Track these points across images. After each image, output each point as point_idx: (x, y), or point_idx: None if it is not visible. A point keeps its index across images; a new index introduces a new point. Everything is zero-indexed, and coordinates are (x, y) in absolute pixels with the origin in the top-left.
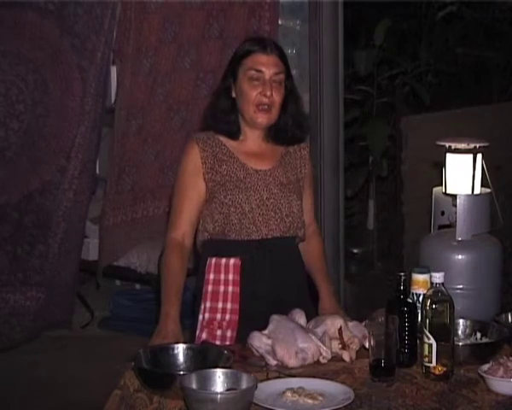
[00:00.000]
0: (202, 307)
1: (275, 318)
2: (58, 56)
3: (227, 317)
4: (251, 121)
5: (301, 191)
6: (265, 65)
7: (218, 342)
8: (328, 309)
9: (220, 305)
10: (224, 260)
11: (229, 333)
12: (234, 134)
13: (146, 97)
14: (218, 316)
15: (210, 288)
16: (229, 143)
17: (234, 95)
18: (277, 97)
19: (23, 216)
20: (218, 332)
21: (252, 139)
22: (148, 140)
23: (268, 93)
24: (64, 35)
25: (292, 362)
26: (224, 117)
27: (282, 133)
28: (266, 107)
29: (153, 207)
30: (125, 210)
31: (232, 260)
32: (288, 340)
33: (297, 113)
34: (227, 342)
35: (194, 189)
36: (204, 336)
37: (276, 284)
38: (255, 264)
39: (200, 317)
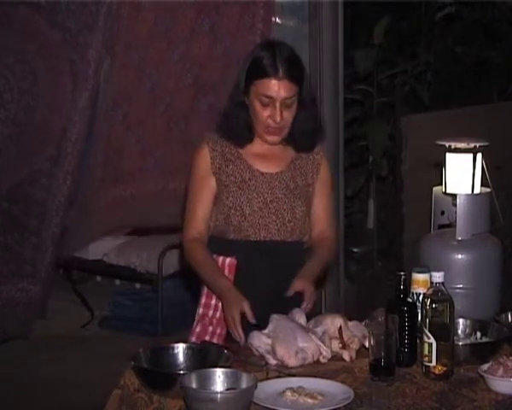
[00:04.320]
0: (200, 301)
1: (275, 317)
2: (48, 48)
3: (217, 314)
4: (261, 138)
5: (309, 197)
6: (276, 91)
7: (207, 338)
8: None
9: (213, 302)
10: (220, 259)
11: (218, 330)
12: (247, 143)
13: (133, 88)
14: (210, 312)
15: None
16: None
17: (247, 102)
18: (288, 116)
19: (12, 205)
20: (210, 328)
21: (263, 142)
22: (130, 126)
23: (278, 119)
24: (55, 29)
25: (292, 362)
26: (239, 129)
27: (290, 140)
28: (276, 129)
29: (130, 188)
30: (106, 192)
31: (228, 260)
32: (288, 339)
33: (307, 122)
34: (214, 340)
35: (206, 188)
36: (198, 329)
37: (271, 287)
38: (251, 265)
39: (198, 310)
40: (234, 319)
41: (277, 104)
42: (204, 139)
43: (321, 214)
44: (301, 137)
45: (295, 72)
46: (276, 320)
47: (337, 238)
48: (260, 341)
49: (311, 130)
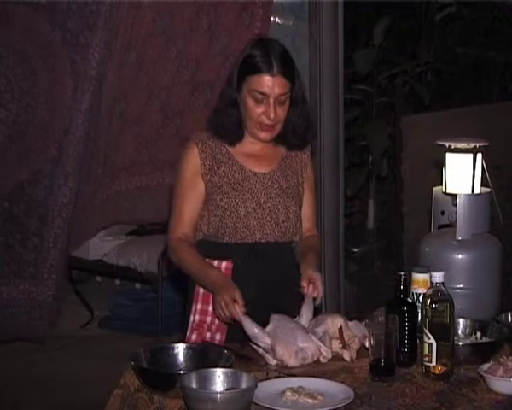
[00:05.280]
0: (193, 308)
1: (275, 317)
2: (48, 48)
3: (216, 320)
4: (253, 135)
5: (301, 196)
6: (270, 87)
7: None
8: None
9: (211, 308)
10: (215, 263)
11: (218, 336)
12: (237, 141)
13: (130, 85)
14: (208, 319)
15: (201, 290)
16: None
17: (239, 100)
18: (281, 114)
19: (13, 206)
20: (208, 335)
21: (254, 141)
22: (127, 123)
23: (272, 116)
24: (56, 29)
25: (292, 362)
26: (230, 127)
27: (283, 138)
28: (269, 126)
29: (126, 183)
30: (103, 188)
31: (224, 263)
32: (288, 339)
33: (299, 120)
34: None
35: (194, 190)
36: (194, 337)
37: (267, 289)
38: (247, 267)
39: (191, 318)
40: (226, 302)
41: (271, 101)
42: (193, 139)
43: (308, 213)
44: (293, 134)
45: (288, 68)
46: (276, 320)
47: (321, 237)
48: (260, 341)
49: (303, 127)
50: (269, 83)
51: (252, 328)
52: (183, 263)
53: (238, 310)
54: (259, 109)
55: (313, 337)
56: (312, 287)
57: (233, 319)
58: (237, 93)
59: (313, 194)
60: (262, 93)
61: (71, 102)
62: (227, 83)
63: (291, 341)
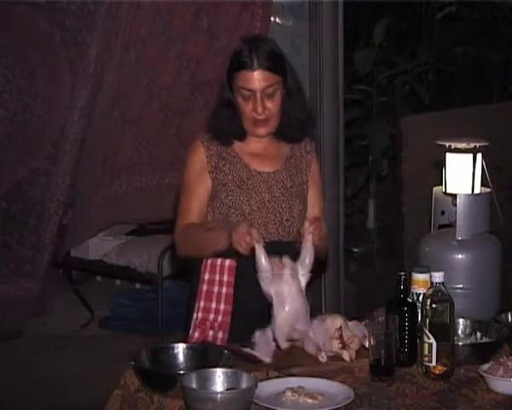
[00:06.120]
0: (196, 306)
1: (286, 289)
2: (47, 48)
3: (219, 318)
4: (251, 133)
5: (305, 196)
6: (254, 82)
7: None
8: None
9: (213, 305)
10: (219, 261)
11: (220, 334)
12: (237, 141)
13: (130, 86)
14: (211, 316)
15: (205, 287)
16: (235, 143)
17: (233, 99)
18: (273, 107)
19: (11, 204)
20: (210, 332)
21: (257, 140)
22: (127, 123)
23: (259, 110)
24: (54, 28)
25: (283, 345)
26: (228, 127)
27: (281, 132)
28: (262, 121)
29: (126, 183)
30: (103, 188)
31: (227, 262)
32: (286, 321)
33: (294, 112)
34: (218, 343)
35: (201, 185)
36: (196, 335)
37: None
38: (250, 266)
39: (194, 316)
40: (243, 233)
41: (258, 95)
42: (198, 138)
43: (313, 212)
44: (290, 126)
45: (272, 62)
46: (288, 288)
47: (329, 236)
48: (264, 274)
49: (300, 119)
50: (251, 78)
51: (262, 259)
52: (192, 238)
53: (255, 235)
54: (249, 106)
55: (311, 333)
56: (308, 224)
57: (251, 246)
58: (231, 93)
59: (319, 193)
60: (248, 89)
61: (68, 101)
62: (220, 87)
63: (289, 326)
